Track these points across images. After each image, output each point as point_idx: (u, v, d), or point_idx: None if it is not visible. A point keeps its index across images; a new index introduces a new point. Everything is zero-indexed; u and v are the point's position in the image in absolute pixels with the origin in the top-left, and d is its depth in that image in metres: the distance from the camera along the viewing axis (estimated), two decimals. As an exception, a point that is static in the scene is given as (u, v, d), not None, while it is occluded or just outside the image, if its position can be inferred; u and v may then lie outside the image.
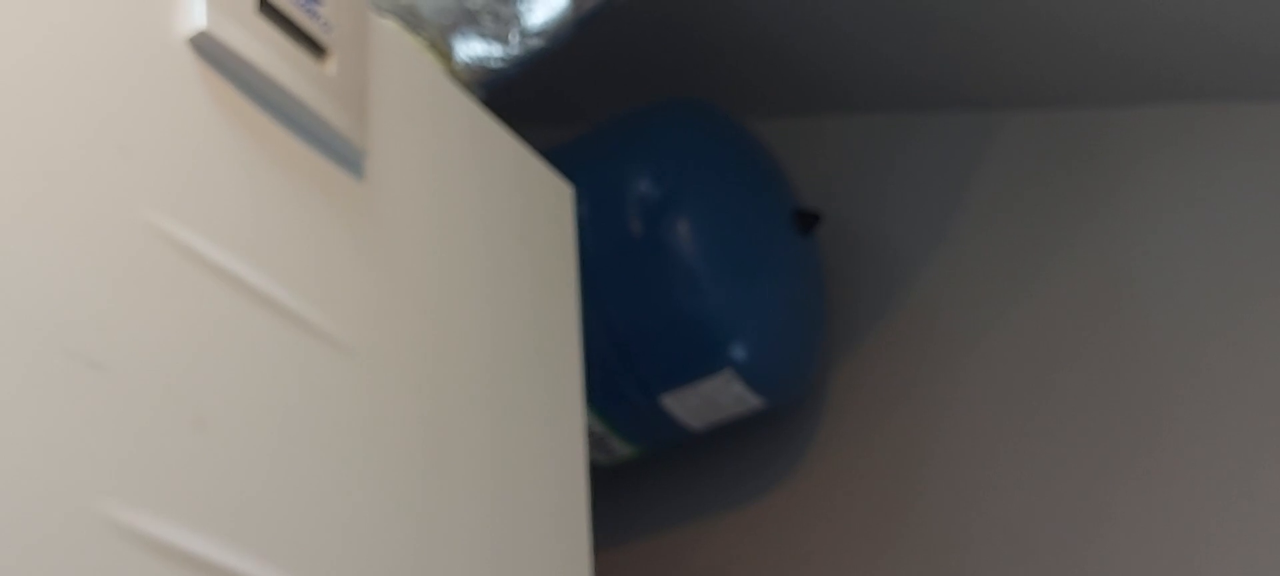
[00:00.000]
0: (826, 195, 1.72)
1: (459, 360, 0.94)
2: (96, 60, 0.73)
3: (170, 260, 0.73)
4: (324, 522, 0.78)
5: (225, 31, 0.80)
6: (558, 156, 1.20)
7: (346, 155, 0.89)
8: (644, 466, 1.73)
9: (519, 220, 1.07)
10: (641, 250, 1.52)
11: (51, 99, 0.70)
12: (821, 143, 1.82)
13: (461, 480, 0.91)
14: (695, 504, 1.75)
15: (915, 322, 1.69)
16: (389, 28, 1.01)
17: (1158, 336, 1.51)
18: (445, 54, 1.15)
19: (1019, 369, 1.59)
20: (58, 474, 0.64)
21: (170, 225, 0.74)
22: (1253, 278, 1.47)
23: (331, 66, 0.87)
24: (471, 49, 1.16)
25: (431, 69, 1.04)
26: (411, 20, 1.13)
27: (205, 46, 0.79)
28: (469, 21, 1.15)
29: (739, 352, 1.53)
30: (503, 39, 1.17)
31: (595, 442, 1.60)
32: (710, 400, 1.57)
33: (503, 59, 1.18)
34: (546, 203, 1.12)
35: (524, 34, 1.18)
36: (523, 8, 1.17)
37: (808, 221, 1.62)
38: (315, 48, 0.86)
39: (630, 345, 1.53)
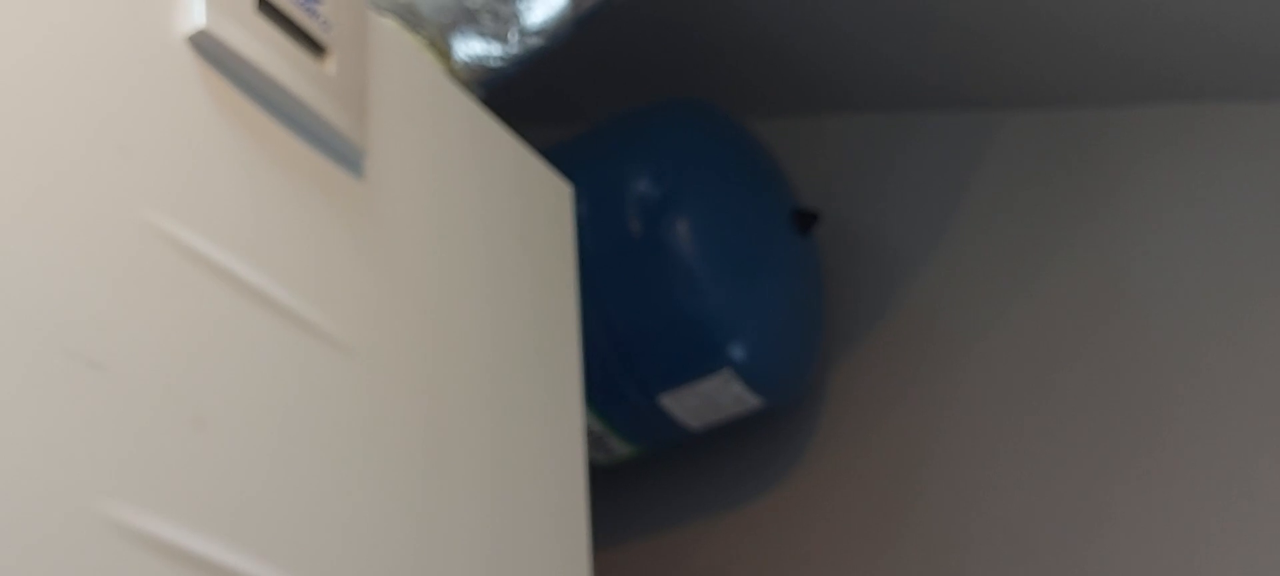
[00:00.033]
0: (826, 195, 1.72)
1: (458, 359, 0.94)
2: (96, 59, 0.73)
3: (169, 259, 0.73)
4: (323, 522, 0.78)
5: (224, 30, 0.79)
6: (557, 156, 1.20)
7: (346, 154, 0.89)
8: (643, 466, 1.73)
9: (518, 219, 1.07)
10: (641, 250, 1.52)
11: (51, 98, 0.69)
12: (821, 142, 1.82)
13: (461, 479, 0.91)
14: (694, 504, 1.75)
15: (914, 322, 1.69)
16: (388, 27, 1.01)
17: (1157, 336, 1.51)
18: (444, 53, 1.15)
19: (1018, 368, 1.59)
20: (58, 473, 0.63)
21: (169, 224, 0.74)
22: (1252, 277, 1.47)
23: (331, 65, 0.87)
24: (471, 48, 1.16)
25: (431, 68, 1.04)
26: (411, 19, 1.13)
27: (204, 45, 0.79)
28: (468, 20, 1.15)
29: (738, 352, 1.53)
30: (502, 38, 1.17)
31: (594, 442, 1.60)
32: (709, 400, 1.57)
33: (502, 58, 1.18)
34: (546, 202, 1.12)
35: (523, 33, 1.17)
36: (522, 7, 1.17)
37: (807, 221, 1.62)
38: (315, 46, 0.86)
39: (629, 345, 1.53)
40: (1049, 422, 1.54)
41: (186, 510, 0.69)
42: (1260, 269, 1.47)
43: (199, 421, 0.72)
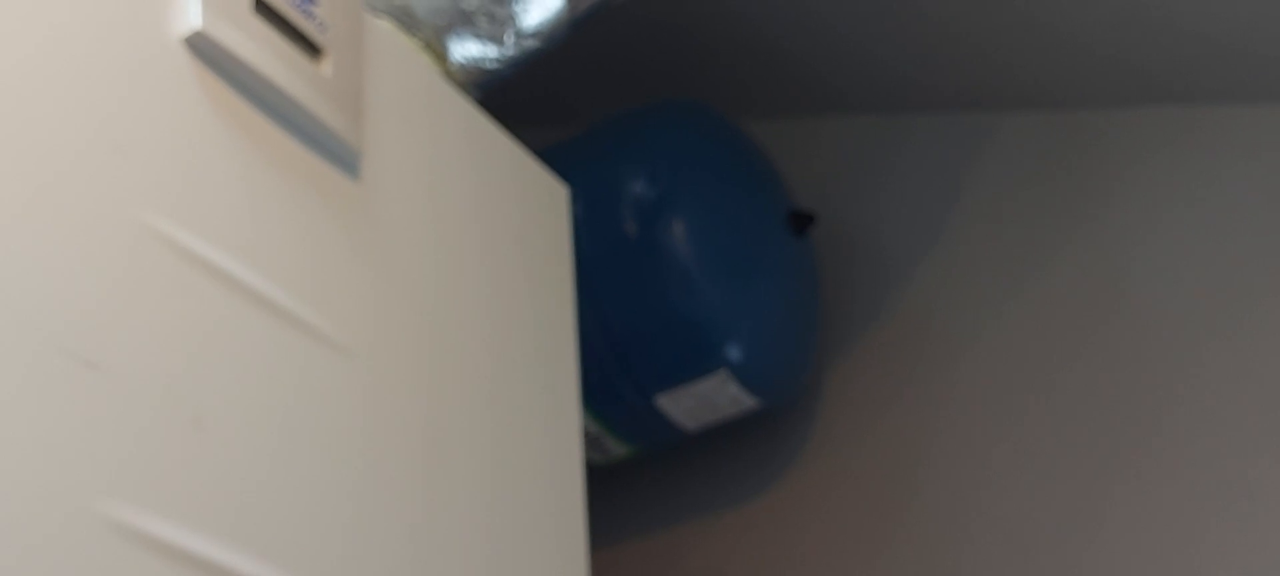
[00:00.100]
0: (821, 196, 1.72)
1: (455, 360, 0.94)
2: (92, 61, 0.73)
3: (166, 260, 0.73)
4: (322, 522, 0.78)
5: (221, 32, 0.80)
6: (552, 157, 1.20)
7: (342, 155, 0.89)
8: (639, 466, 1.73)
9: (515, 221, 1.07)
10: (636, 251, 1.52)
11: (47, 99, 0.70)
12: (817, 144, 1.82)
13: (458, 479, 0.91)
14: (690, 504, 1.75)
15: (910, 323, 1.69)
16: (384, 28, 1.01)
17: (1154, 337, 1.51)
18: (440, 55, 1.15)
19: (1015, 370, 1.59)
20: (56, 474, 0.64)
21: (166, 225, 0.74)
22: (1249, 279, 1.48)
23: (327, 67, 0.87)
24: (467, 50, 1.16)
25: (427, 70, 1.04)
26: (407, 21, 1.13)
27: (201, 47, 0.79)
28: (464, 22, 1.15)
29: (734, 353, 1.53)
30: (498, 40, 1.17)
31: (590, 442, 1.60)
32: (705, 400, 1.57)
33: (498, 60, 1.18)
34: (542, 203, 1.12)
35: (519, 35, 1.18)
36: (518, 9, 1.17)
37: (802, 222, 1.62)
38: (311, 48, 0.86)
39: (625, 345, 1.53)
40: (1045, 423, 1.54)
41: (185, 510, 0.70)
42: (1257, 270, 1.47)
43: (197, 421, 0.72)
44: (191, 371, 0.73)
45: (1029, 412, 1.56)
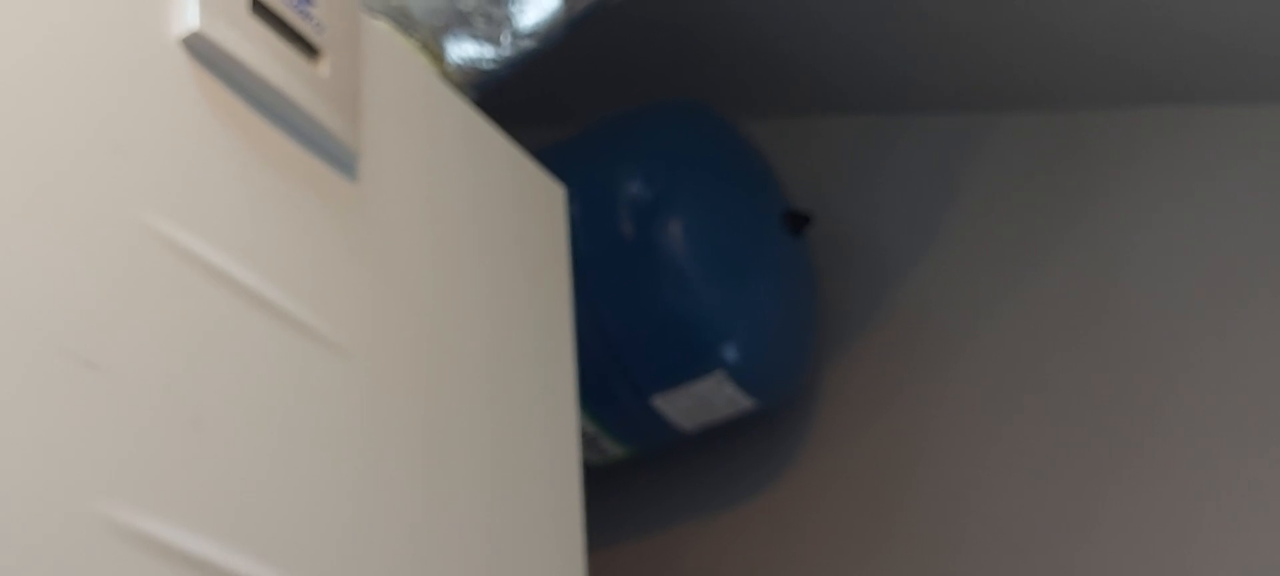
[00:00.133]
0: (818, 196, 1.72)
1: (453, 360, 0.94)
2: (90, 61, 0.73)
3: (165, 261, 0.73)
4: (320, 522, 0.78)
5: (218, 32, 0.80)
6: (549, 157, 1.20)
7: (339, 156, 0.89)
8: (636, 467, 1.73)
9: (512, 221, 1.07)
10: (633, 251, 1.52)
11: (46, 100, 0.70)
12: (813, 143, 1.82)
13: (456, 480, 0.91)
14: (687, 504, 1.75)
15: (906, 323, 1.69)
16: (381, 29, 1.01)
17: (1148, 336, 1.51)
18: (437, 55, 1.15)
19: (1010, 369, 1.59)
20: (55, 474, 0.64)
21: (164, 226, 0.74)
22: (1242, 278, 1.48)
23: (324, 67, 0.87)
24: (463, 50, 1.16)
25: (424, 70, 1.04)
26: (404, 22, 1.13)
27: (198, 47, 0.79)
28: (461, 23, 1.15)
29: (731, 354, 1.53)
30: (495, 40, 1.17)
31: (587, 443, 1.60)
32: (702, 401, 1.57)
33: (495, 60, 1.18)
34: (539, 204, 1.12)
35: (516, 35, 1.18)
36: (514, 9, 1.17)
37: (799, 222, 1.62)
38: (308, 49, 0.86)
39: (622, 346, 1.53)
40: (1041, 422, 1.54)
41: (184, 510, 0.70)
42: (1250, 270, 1.48)
43: (196, 422, 0.72)
44: (190, 371, 0.73)
45: (1025, 411, 1.56)
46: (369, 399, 0.85)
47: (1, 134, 0.67)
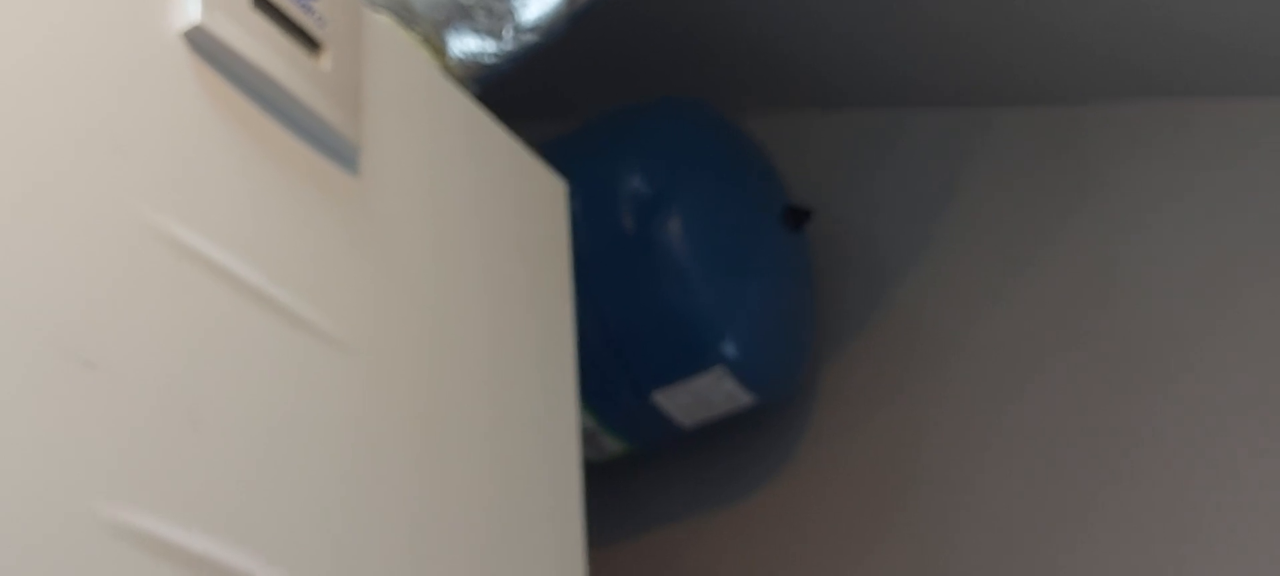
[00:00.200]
0: (817, 192, 1.72)
1: (453, 355, 0.94)
2: (91, 57, 0.72)
3: (165, 257, 0.73)
4: (320, 519, 0.78)
5: (220, 26, 0.79)
6: (550, 152, 1.20)
7: (341, 150, 0.89)
8: (634, 463, 1.73)
9: (513, 216, 1.07)
10: (633, 247, 1.52)
11: (46, 96, 0.69)
12: (812, 139, 1.82)
13: (456, 475, 0.91)
14: (685, 501, 1.75)
15: (905, 318, 1.69)
16: (383, 23, 1.01)
17: (1144, 332, 1.51)
18: (439, 49, 1.15)
19: (1009, 365, 1.59)
20: (54, 473, 0.63)
21: (165, 221, 0.74)
22: (1239, 272, 1.48)
23: (326, 61, 0.87)
24: (465, 44, 1.16)
25: (426, 64, 1.04)
26: (406, 15, 1.13)
27: (200, 41, 0.79)
28: (463, 17, 1.15)
29: (730, 350, 1.53)
30: (496, 34, 1.17)
31: (586, 439, 1.60)
32: (701, 397, 1.57)
33: (496, 54, 1.18)
34: (541, 198, 1.12)
35: (518, 29, 1.17)
36: (517, 3, 1.17)
37: (798, 218, 1.62)
38: (310, 43, 0.86)
39: (622, 342, 1.53)
40: (1038, 419, 1.54)
41: (183, 508, 0.69)
42: (1247, 264, 1.48)
43: (195, 419, 0.72)
44: (190, 369, 0.72)
45: (1023, 407, 1.56)
46: (369, 394, 0.85)
47: (1, 129, 0.66)
